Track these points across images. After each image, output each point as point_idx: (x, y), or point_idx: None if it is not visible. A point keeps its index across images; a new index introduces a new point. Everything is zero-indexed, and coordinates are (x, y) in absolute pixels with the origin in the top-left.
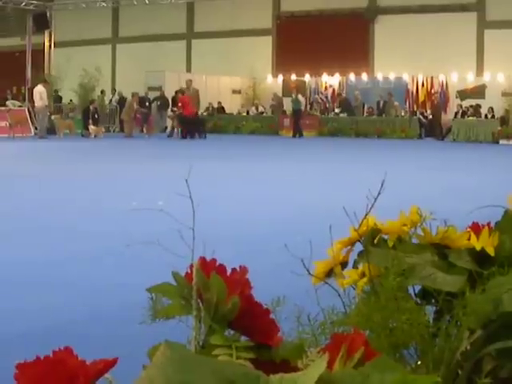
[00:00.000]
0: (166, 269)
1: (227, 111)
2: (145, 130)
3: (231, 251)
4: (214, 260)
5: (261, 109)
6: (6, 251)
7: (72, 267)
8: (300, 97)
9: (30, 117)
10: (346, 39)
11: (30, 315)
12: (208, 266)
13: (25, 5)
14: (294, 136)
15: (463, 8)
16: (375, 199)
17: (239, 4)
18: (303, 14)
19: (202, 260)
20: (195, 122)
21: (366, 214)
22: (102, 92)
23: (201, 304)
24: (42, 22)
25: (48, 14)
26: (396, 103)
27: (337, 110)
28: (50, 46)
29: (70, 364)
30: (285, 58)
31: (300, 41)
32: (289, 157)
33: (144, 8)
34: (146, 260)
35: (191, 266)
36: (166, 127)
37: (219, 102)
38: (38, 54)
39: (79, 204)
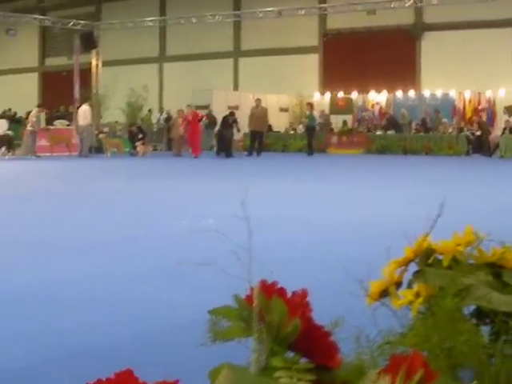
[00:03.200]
0: (218, 288)
1: (274, 129)
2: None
3: (285, 272)
4: (274, 283)
5: None
6: (61, 269)
7: (123, 285)
8: (315, 113)
9: None
10: (393, 56)
11: (80, 334)
12: (269, 289)
13: (72, 24)
14: (309, 154)
15: (510, 23)
16: (435, 221)
17: (286, 22)
18: (349, 31)
19: (263, 283)
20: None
21: (426, 235)
22: (150, 111)
23: (262, 326)
24: (89, 42)
25: (95, 34)
26: (444, 120)
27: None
28: (98, 65)
29: None
30: (332, 76)
31: (347, 58)
32: (338, 175)
33: (191, 27)
34: (198, 280)
35: (252, 289)
36: (213, 146)
37: None
38: (86, 73)
39: (125, 222)
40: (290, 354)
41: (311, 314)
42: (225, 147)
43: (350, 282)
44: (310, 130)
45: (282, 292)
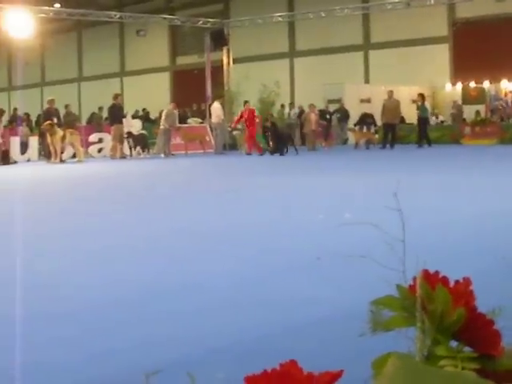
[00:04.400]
0: (357, 282)
1: (407, 121)
2: (323, 143)
3: (439, 262)
4: (437, 272)
5: (441, 118)
6: (201, 266)
7: (267, 282)
8: (426, 104)
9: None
10: None
11: (223, 331)
12: (432, 278)
13: (202, 23)
14: (419, 145)
15: None
16: None
17: (415, 13)
18: (479, 20)
19: (425, 272)
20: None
21: None
22: (282, 106)
23: (425, 316)
24: (219, 39)
25: (225, 31)
26: None
27: None
28: (229, 62)
29: (297, 376)
30: (463, 65)
31: (477, 47)
32: (476, 166)
33: (320, 21)
34: (337, 274)
35: (414, 278)
36: (347, 139)
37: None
38: (216, 70)
39: (265, 218)
40: (453, 343)
41: (475, 302)
42: (281, 144)
43: (506, 270)
44: (423, 121)
45: (445, 281)
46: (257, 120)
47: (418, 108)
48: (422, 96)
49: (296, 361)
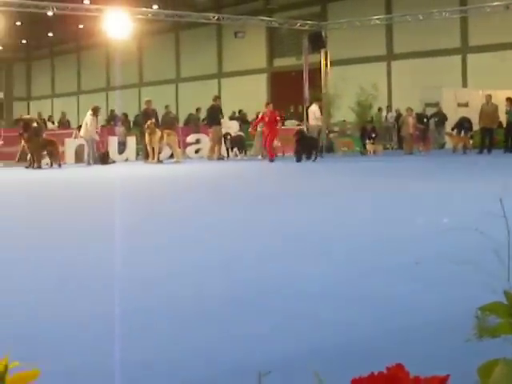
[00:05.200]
0: (454, 286)
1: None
2: (421, 147)
3: None
4: None
5: None
6: (298, 267)
7: (364, 285)
8: None
9: None
10: None
11: (323, 331)
12: None
13: (300, 25)
14: (505, 151)
15: None
16: None
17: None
18: None
19: None
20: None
21: None
22: (380, 109)
23: None
24: (317, 42)
25: (323, 34)
26: None
27: None
28: (326, 64)
29: (404, 380)
30: None
31: None
32: None
33: (418, 24)
34: (432, 277)
35: None
36: (444, 144)
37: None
38: (314, 72)
39: (366, 221)
40: None
41: None
42: (308, 149)
43: None
44: (511, 126)
45: None
46: (278, 124)
47: (506, 112)
48: (510, 100)
49: (403, 364)
